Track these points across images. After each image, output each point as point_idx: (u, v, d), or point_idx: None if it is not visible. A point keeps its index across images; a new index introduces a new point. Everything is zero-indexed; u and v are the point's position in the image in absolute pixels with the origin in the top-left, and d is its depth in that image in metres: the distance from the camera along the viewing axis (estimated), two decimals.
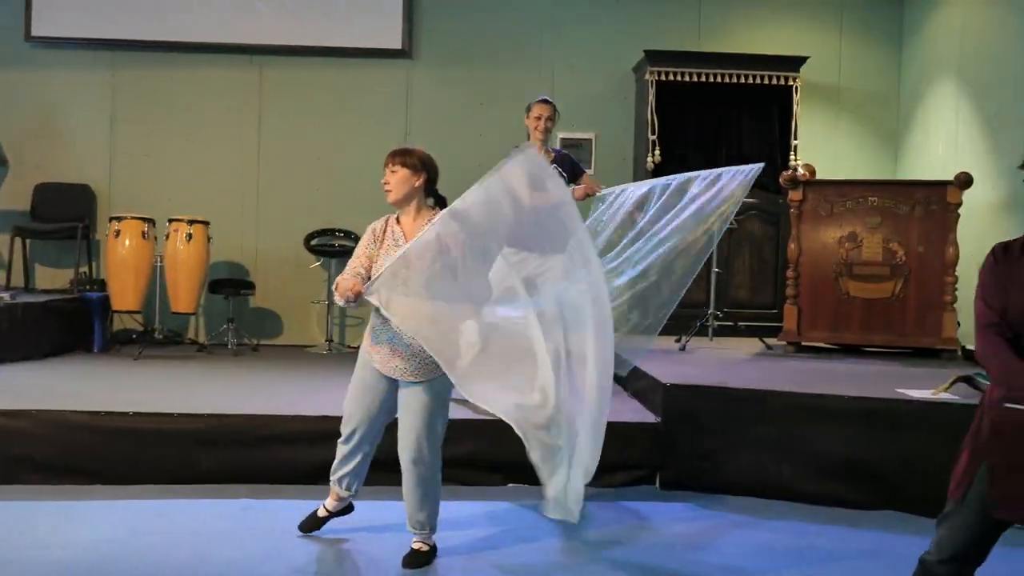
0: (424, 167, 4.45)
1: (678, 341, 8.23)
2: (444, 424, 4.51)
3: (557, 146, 9.72)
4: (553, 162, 6.57)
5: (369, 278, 4.30)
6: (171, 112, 10.01)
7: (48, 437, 5.63)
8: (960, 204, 7.65)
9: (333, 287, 4.33)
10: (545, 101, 6.61)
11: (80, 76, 9.97)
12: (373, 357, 4.50)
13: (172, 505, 5.24)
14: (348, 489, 4.75)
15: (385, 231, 4.48)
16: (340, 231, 9.61)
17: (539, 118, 6.52)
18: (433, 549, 4.57)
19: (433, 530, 4.58)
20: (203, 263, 9.08)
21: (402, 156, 4.45)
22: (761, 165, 6.54)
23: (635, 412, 6.37)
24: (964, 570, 3.19)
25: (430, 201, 4.54)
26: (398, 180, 4.42)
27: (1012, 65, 8.38)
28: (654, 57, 9.60)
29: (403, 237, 4.41)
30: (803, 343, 8.04)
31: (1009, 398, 3.00)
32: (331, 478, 4.77)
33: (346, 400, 4.65)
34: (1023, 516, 3.06)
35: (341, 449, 4.70)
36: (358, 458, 4.68)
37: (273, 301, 9.96)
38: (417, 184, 4.43)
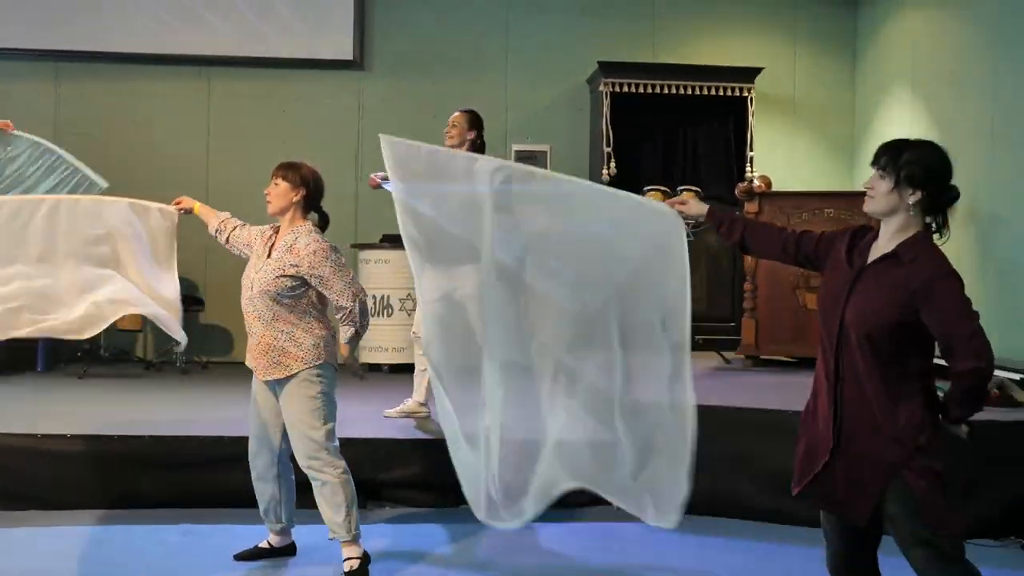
0: (304, 183, 4.52)
1: None
2: (326, 418, 4.43)
3: (511, 159, 9.65)
4: None
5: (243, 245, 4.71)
6: (117, 124, 9.78)
7: None
8: None
9: None
10: (463, 111, 6.50)
11: (23, 87, 9.72)
12: (248, 360, 4.55)
13: (109, 531, 5.06)
14: (279, 520, 4.63)
15: (268, 239, 4.58)
16: None
17: (447, 127, 6.44)
18: (364, 560, 4.49)
19: (355, 534, 4.48)
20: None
21: (284, 170, 4.54)
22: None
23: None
24: None
25: (313, 216, 4.60)
26: (277, 193, 4.51)
27: (966, 74, 8.38)
28: (608, 68, 9.52)
29: (272, 245, 4.52)
30: (762, 356, 7.96)
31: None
32: (262, 516, 4.65)
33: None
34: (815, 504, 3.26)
35: (253, 480, 4.64)
36: (271, 485, 4.60)
37: (223, 317, 9.75)
38: (295, 199, 4.50)
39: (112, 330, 8.90)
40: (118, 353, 9.22)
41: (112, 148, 9.74)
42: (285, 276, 4.35)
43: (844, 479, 3.10)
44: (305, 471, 4.44)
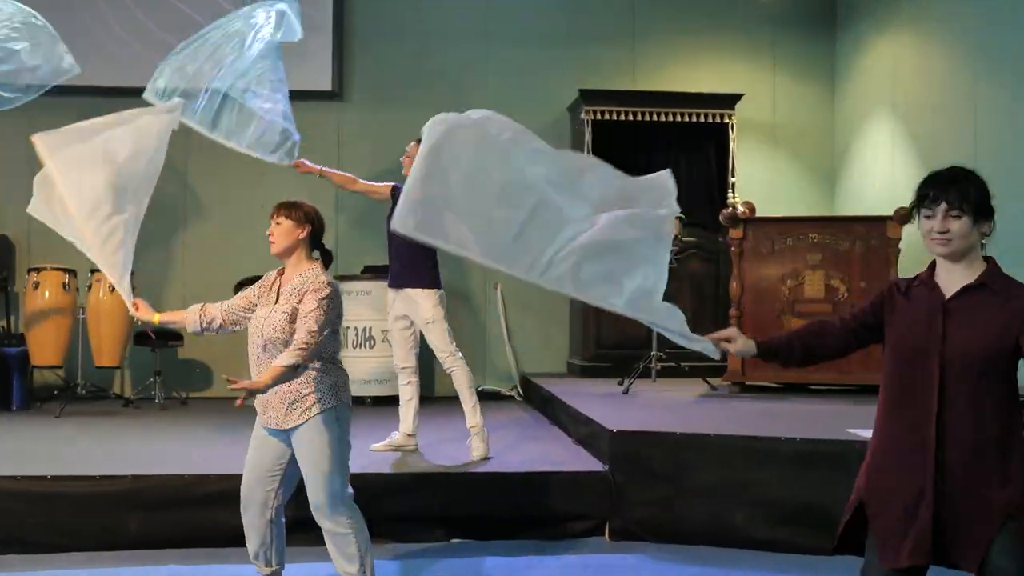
0: (308, 220, 4.40)
1: (620, 384, 8.06)
2: (343, 466, 4.31)
3: None
4: None
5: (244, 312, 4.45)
6: None
7: None
8: (900, 239, 7.61)
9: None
10: (419, 140, 6.45)
11: None
12: (258, 411, 4.36)
13: (94, 575, 4.91)
14: (268, 564, 4.47)
15: (273, 282, 4.43)
16: None
17: (407, 156, 6.45)
18: None
19: None
20: (127, 314, 8.69)
21: (287, 209, 4.40)
22: None
23: (581, 460, 6.19)
24: None
25: (315, 254, 4.47)
26: (281, 232, 4.37)
27: (945, 98, 8.40)
28: (590, 96, 9.51)
29: (279, 290, 4.35)
30: (748, 383, 7.92)
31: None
32: (250, 557, 4.50)
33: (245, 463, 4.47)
34: (904, 558, 3.00)
35: (243, 520, 4.45)
36: (261, 527, 4.41)
37: (202, 352, 9.64)
38: (301, 236, 4.37)
39: (89, 367, 8.83)
40: (96, 390, 9.07)
41: None
42: (293, 320, 4.19)
43: (952, 524, 2.94)
44: (320, 521, 4.26)
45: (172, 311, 4.63)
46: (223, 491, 5.40)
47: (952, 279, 3.04)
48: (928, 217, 3.00)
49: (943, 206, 2.96)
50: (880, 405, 3.16)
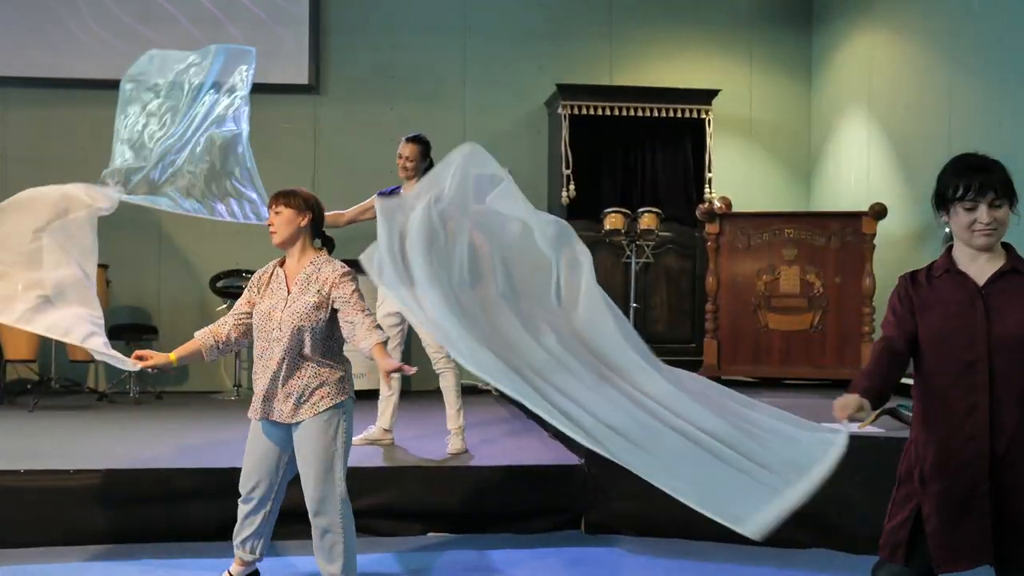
0: (309, 207, 4.35)
1: None
2: (345, 463, 4.29)
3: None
4: None
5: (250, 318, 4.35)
6: (67, 151, 9.58)
7: None
8: (875, 234, 7.65)
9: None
10: (410, 139, 6.36)
11: None
12: (256, 405, 4.32)
13: (67, 570, 4.89)
14: (253, 552, 4.47)
15: (271, 276, 4.38)
16: (247, 272, 9.26)
17: (400, 157, 6.32)
18: None
19: None
20: (102, 308, 8.65)
21: (286, 197, 4.34)
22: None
23: (557, 454, 6.18)
24: None
25: (317, 242, 4.43)
26: (283, 221, 4.30)
27: (920, 94, 8.44)
28: (566, 91, 9.50)
29: (285, 280, 4.30)
30: (723, 377, 7.93)
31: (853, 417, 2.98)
32: (234, 541, 4.48)
33: (244, 454, 4.42)
34: (965, 564, 2.95)
35: (241, 509, 4.44)
36: (260, 517, 4.41)
37: (177, 346, 9.54)
38: (302, 224, 4.31)
39: (63, 361, 8.77)
40: (69, 384, 9.01)
41: (61, 175, 9.55)
42: (321, 308, 4.17)
43: (1011, 521, 2.90)
44: (314, 518, 4.24)
45: (180, 347, 4.51)
46: (197, 486, 5.41)
47: (979, 266, 3.00)
48: (969, 209, 2.94)
49: (990, 196, 2.91)
50: (919, 401, 3.10)
